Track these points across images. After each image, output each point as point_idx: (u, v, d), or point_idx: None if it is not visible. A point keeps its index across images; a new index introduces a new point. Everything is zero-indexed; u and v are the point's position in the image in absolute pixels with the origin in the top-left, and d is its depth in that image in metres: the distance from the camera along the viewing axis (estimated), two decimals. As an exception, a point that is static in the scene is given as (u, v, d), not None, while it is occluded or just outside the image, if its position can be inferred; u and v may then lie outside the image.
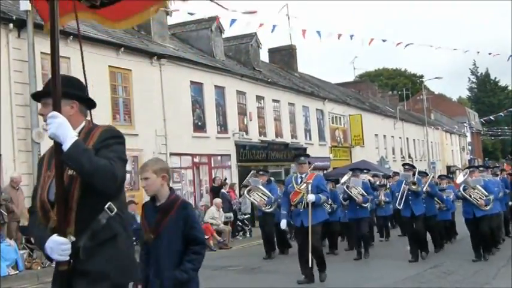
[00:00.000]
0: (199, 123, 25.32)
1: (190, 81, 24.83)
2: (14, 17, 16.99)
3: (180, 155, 23.16)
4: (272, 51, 42.29)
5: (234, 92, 28.03)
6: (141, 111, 21.48)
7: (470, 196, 13.33)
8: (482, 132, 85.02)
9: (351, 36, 24.80)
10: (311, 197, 10.98)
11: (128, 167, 20.70)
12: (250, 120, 29.18)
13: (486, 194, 13.31)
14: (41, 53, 17.78)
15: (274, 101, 31.91)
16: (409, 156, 51.73)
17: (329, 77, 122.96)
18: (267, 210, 16.09)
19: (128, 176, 20.55)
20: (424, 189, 14.88)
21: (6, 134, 16.46)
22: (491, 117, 57.61)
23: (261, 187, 16.40)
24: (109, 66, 20.44)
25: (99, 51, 19.94)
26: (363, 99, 51.91)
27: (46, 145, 16.80)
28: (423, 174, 16.58)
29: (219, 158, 26.16)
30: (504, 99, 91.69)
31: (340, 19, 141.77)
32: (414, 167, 15.38)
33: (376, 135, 45.88)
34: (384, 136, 47.98)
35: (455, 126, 70.64)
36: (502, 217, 16.30)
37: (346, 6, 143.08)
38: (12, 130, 16.75)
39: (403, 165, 15.92)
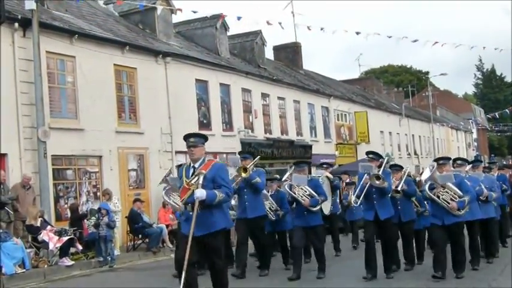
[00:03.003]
0: (205, 121, 25.33)
1: (196, 79, 24.85)
2: (19, 16, 17.00)
3: (185, 153, 22.98)
4: (277, 49, 42.23)
5: (239, 89, 28.03)
6: (147, 110, 21.50)
7: (438, 197, 10.68)
8: (488, 128, 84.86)
9: (357, 33, 24.83)
10: (199, 193, 7.88)
11: (134, 165, 20.77)
12: (256, 117, 29.18)
13: (460, 194, 10.62)
14: (46, 52, 17.85)
15: (280, 98, 31.89)
16: (415, 153, 51.69)
17: (334, 74, 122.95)
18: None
19: (133, 173, 20.62)
20: (400, 187, 11.79)
21: (12, 132, 16.50)
22: (496, 114, 57.52)
23: None
24: (114, 64, 20.45)
25: (104, 49, 19.97)
26: (368, 96, 51.85)
27: (52, 144, 16.95)
28: (396, 168, 12.90)
29: (224, 155, 26.14)
30: (510, 95, 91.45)
31: (346, 16, 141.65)
32: (381, 157, 11.87)
33: (381, 132, 45.83)
34: (390, 133, 47.93)
35: (461, 122, 70.57)
36: (498, 225, 13.76)
37: (351, 3, 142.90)
38: (18, 129, 16.78)
39: (367, 153, 12.03)
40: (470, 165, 13.39)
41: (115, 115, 20.25)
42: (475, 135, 78.72)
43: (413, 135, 53.28)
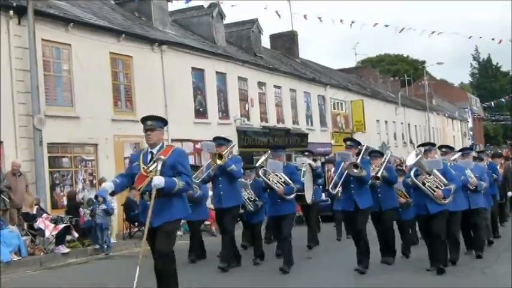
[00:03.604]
0: (201, 110, 25.33)
1: (192, 68, 24.83)
2: (15, 4, 16.97)
3: (181, 141, 23.14)
4: (274, 37, 42.15)
5: (235, 78, 28.01)
6: (143, 98, 21.48)
7: (424, 184, 10.16)
8: (483, 117, 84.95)
9: (352, 22, 24.82)
10: (157, 181, 7.26)
11: (130, 153, 20.75)
12: (252, 106, 29.18)
13: (445, 182, 10.11)
14: (42, 39, 17.81)
15: (276, 87, 31.88)
16: (411, 142, 51.73)
17: (330, 62, 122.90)
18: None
19: (127, 162, 20.66)
20: (379, 173, 11.07)
21: (7, 120, 16.49)
22: (492, 103, 57.59)
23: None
24: (110, 52, 20.42)
25: (100, 37, 19.93)
26: (365, 85, 51.82)
27: (47, 132, 16.94)
28: (376, 154, 11.95)
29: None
30: (506, 84, 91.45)
31: (342, 4, 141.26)
32: (359, 144, 11.24)
33: (377, 120, 45.85)
34: (386, 122, 47.93)
35: (456, 111, 70.58)
36: (489, 214, 13.24)
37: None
38: (14, 117, 16.78)
39: (345, 140, 11.42)
40: (460, 153, 12.67)
41: (111, 103, 20.24)
42: (470, 125, 78.77)
43: (409, 124, 53.32)
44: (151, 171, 7.42)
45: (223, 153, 11.44)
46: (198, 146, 24.39)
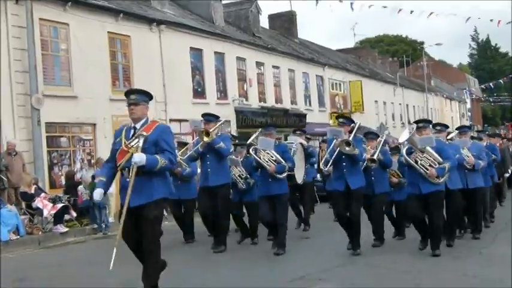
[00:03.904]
0: (199, 90, 25.29)
1: (190, 48, 24.76)
2: (12, -17, 16.88)
3: (179, 121, 23.12)
4: (272, 17, 42.02)
5: (233, 58, 27.94)
6: (141, 78, 21.42)
7: (416, 162, 9.73)
8: (482, 98, 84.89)
9: (351, 3, 24.69)
10: (138, 158, 6.88)
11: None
12: (250, 86, 29.14)
13: (440, 160, 9.69)
14: (40, 19, 17.74)
15: (274, 67, 31.82)
16: (409, 123, 51.71)
17: (329, 43, 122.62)
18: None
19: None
20: (376, 156, 10.72)
21: (5, 100, 16.47)
22: (491, 84, 57.51)
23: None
24: (108, 32, 20.34)
25: (98, 17, 19.85)
26: (363, 65, 51.73)
27: (45, 111, 16.91)
28: (372, 136, 11.71)
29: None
30: (504, 65, 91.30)
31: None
32: (352, 121, 10.84)
33: (376, 101, 45.82)
34: (384, 102, 47.92)
35: (455, 92, 70.51)
36: (488, 195, 12.88)
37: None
38: (12, 96, 16.75)
39: (337, 118, 11.11)
40: (457, 132, 12.42)
41: (109, 83, 20.21)
42: (468, 106, 78.73)
43: (407, 105, 53.29)
44: (132, 146, 7.08)
45: (211, 130, 11.04)
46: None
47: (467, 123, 67.74)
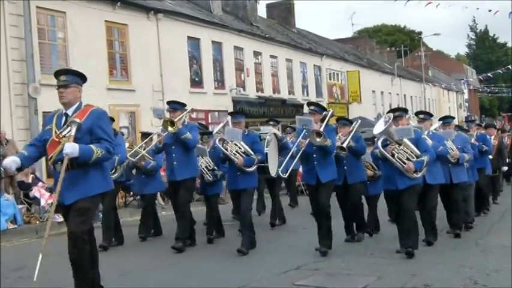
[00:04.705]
0: (197, 79, 25.26)
1: (188, 37, 24.70)
2: (9, -29, 16.80)
3: (177, 110, 23.14)
4: (270, 7, 41.97)
5: (231, 47, 27.89)
6: (138, 67, 21.40)
7: (393, 155, 8.94)
8: (479, 89, 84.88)
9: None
10: (69, 149, 6.04)
11: (125, 122, 20.74)
12: (248, 76, 29.11)
13: (418, 153, 8.95)
14: (37, 7, 17.68)
15: (272, 56, 31.78)
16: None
17: (327, 33, 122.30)
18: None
19: (124, 131, 20.62)
20: (346, 144, 10.00)
21: (2, 89, 16.42)
22: (489, 74, 57.52)
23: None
24: (105, 21, 20.28)
25: (95, 5, 19.77)
26: (361, 55, 51.69)
27: (42, 100, 16.87)
28: (344, 122, 10.91)
29: (216, 113, 26.15)
30: (502, 56, 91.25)
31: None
32: (324, 109, 9.97)
33: (373, 91, 45.81)
34: (382, 92, 47.92)
35: (452, 83, 70.50)
36: (473, 190, 12.14)
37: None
38: (9, 85, 16.70)
39: (308, 104, 10.04)
40: (440, 122, 11.58)
41: (106, 72, 20.16)
42: (466, 96, 78.77)
43: (405, 95, 53.27)
44: (64, 136, 6.21)
45: (176, 119, 10.21)
46: (193, 115, 24.37)
47: (464, 114, 67.92)
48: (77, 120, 6.23)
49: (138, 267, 9.13)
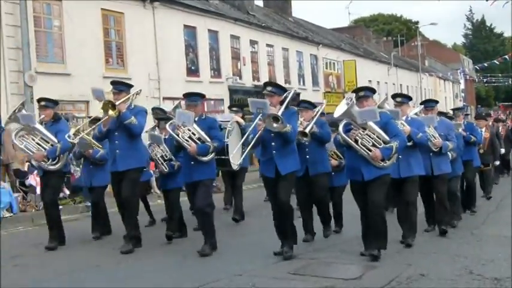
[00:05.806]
0: (193, 68, 25.22)
1: (184, 25, 24.65)
2: (5, -42, 16.72)
3: (173, 99, 23.05)
4: (266, -5, 41.85)
5: (227, 36, 27.84)
6: (134, 55, 21.36)
7: (356, 142, 7.76)
8: (476, 79, 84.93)
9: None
10: None
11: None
12: (244, 64, 29.07)
13: (386, 138, 7.75)
14: (33, -5, 17.60)
15: (268, 45, 31.73)
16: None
17: (323, 22, 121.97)
18: None
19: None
20: (308, 129, 8.99)
21: (-2, 77, 16.39)
22: (485, 64, 57.50)
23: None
24: (101, 9, 20.24)
25: (92, -7, 19.71)
26: (358, 44, 51.63)
27: (38, 88, 16.82)
28: (306, 105, 9.79)
29: (212, 102, 26.13)
30: (499, 46, 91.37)
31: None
32: (284, 90, 8.67)
33: (369, 81, 45.70)
34: (378, 82, 47.86)
35: (449, 73, 70.49)
36: (459, 183, 11.26)
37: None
38: (4, 73, 16.67)
39: (265, 84, 8.78)
40: (422, 106, 10.25)
41: (102, 60, 20.13)
42: (462, 86, 78.75)
43: (401, 84, 53.28)
44: None
45: (117, 102, 9.07)
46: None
47: (460, 103, 67.88)
48: None
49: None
